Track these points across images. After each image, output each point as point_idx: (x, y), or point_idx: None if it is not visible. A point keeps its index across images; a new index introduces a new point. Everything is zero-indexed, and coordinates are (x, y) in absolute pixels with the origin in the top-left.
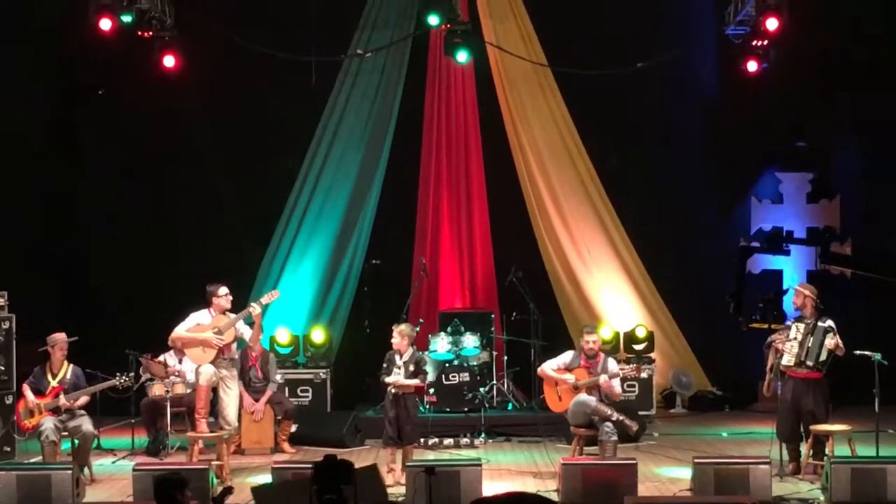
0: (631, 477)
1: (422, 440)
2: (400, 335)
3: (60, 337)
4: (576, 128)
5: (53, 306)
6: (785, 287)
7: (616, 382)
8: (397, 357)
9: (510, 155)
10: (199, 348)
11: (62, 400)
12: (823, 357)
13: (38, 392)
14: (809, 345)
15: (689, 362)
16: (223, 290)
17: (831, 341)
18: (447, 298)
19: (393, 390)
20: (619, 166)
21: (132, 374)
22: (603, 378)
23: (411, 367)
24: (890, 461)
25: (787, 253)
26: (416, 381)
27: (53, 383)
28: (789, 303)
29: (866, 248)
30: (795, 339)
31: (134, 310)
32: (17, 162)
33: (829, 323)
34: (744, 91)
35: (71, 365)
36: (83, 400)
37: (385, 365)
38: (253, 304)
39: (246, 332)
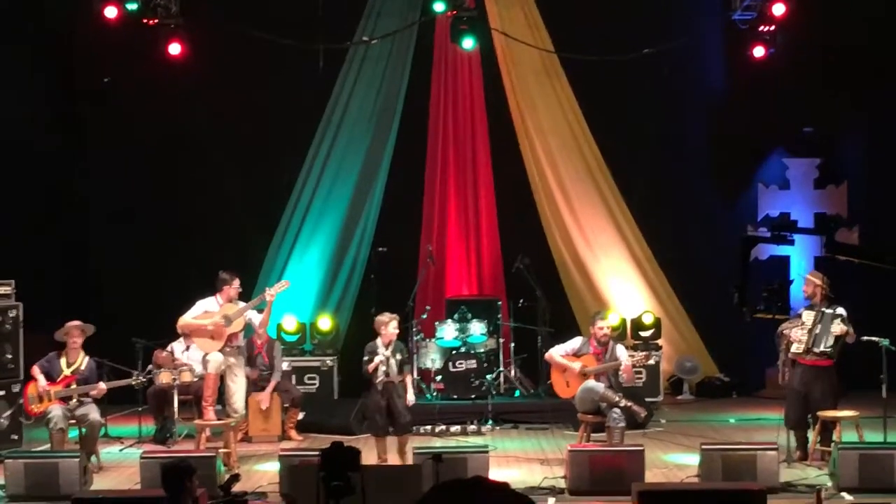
0: (638, 463)
1: (429, 427)
2: (399, 324)
3: (72, 324)
4: (582, 114)
5: (57, 298)
6: (791, 277)
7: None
8: (382, 348)
9: (516, 142)
10: (208, 336)
11: (95, 388)
12: (831, 343)
13: (49, 378)
14: (818, 332)
15: (696, 349)
16: (237, 281)
17: (838, 328)
18: (454, 285)
19: (382, 376)
20: (625, 152)
21: (149, 371)
22: (625, 364)
23: (398, 356)
24: None
25: (792, 243)
26: (406, 373)
27: (67, 372)
28: (795, 292)
29: (874, 235)
30: (805, 326)
31: (139, 301)
32: (20, 152)
33: (840, 310)
34: (750, 76)
35: (87, 357)
36: (99, 391)
37: (366, 357)
38: (268, 288)
39: (255, 318)
